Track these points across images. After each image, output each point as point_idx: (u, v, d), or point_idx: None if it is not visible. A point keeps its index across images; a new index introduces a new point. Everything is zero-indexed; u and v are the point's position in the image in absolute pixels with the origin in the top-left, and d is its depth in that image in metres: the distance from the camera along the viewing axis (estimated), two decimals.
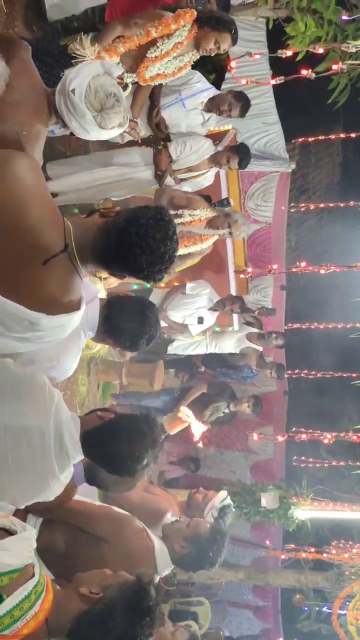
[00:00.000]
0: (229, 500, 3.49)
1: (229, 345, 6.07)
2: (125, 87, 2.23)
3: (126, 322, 2.41)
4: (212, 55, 3.86)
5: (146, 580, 1.73)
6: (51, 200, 1.75)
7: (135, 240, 1.63)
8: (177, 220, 4.42)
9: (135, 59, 3.58)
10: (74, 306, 1.73)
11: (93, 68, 2.10)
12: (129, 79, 3.63)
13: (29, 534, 1.64)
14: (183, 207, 4.51)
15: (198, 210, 4.52)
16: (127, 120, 2.20)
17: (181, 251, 4.61)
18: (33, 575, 1.57)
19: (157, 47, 3.55)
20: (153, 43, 3.57)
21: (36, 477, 1.86)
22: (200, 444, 6.03)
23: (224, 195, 5.54)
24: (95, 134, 2.12)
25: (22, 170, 1.67)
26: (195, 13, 3.59)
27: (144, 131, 4.28)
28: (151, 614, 1.67)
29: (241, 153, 4.55)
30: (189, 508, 3.46)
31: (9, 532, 1.59)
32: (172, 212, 4.40)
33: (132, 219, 1.67)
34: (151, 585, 1.74)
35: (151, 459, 2.05)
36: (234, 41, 3.78)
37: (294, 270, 5.22)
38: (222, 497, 3.47)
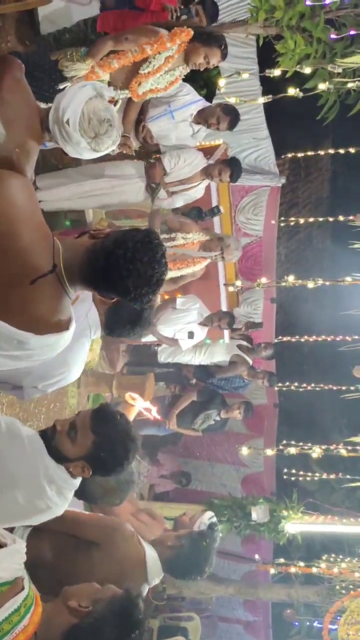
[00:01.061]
0: (215, 520, 3.50)
1: (219, 354, 6.08)
2: (115, 103, 2.27)
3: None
4: (201, 69, 3.91)
5: (135, 594, 1.74)
6: (42, 221, 1.76)
7: (122, 263, 1.63)
8: (170, 243, 4.47)
9: (127, 75, 3.62)
10: (63, 326, 1.74)
11: (85, 93, 2.14)
12: (122, 95, 3.67)
13: (18, 546, 1.64)
14: (176, 230, 4.57)
15: (191, 234, 4.59)
16: (119, 138, 2.24)
17: (173, 274, 4.65)
18: (23, 589, 1.58)
19: (150, 63, 3.59)
20: (145, 59, 3.61)
21: (38, 513, 1.97)
22: (168, 426, 6.01)
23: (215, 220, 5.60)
24: (88, 155, 2.19)
25: (14, 191, 1.68)
26: (192, 32, 3.64)
27: (135, 144, 4.32)
28: (140, 627, 1.68)
29: (233, 166, 4.60)
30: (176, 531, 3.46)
31: None
32: (165, 235, 4.47)
33: (120, 241, 1.66)
34: (140, 599, 1.75)
35: (135, 459, 2.11)
36: (224, 56, 3.84)
37: (283, 284, 5.26)
38: (208, 516, 3.47)
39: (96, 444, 2.01)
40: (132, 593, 1.73)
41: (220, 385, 6.39)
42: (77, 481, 2.01)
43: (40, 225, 1.73)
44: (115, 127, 2.18)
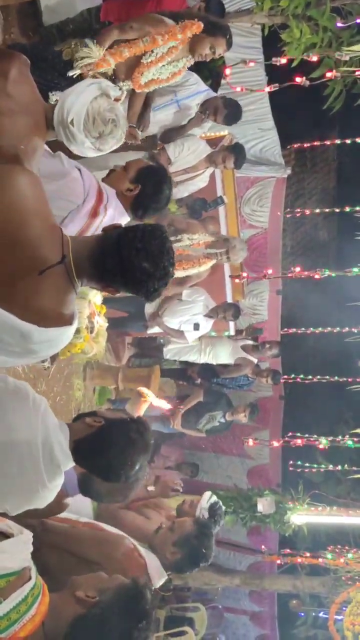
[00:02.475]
0: (215, 498, 3.50)
1: (224, 355, 6.07)
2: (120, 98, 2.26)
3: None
4: (207, 60, 3.87)
5: (142, 583, 1.75)
6: (51, 215, 1.77)
7: (132, 241, 1.67)
8: (176, 245, 4.47)
9: (130, 66, 3.60)
10: (66, 321, 1.73)
11: (90, 93, 2.13)
12: (125, 86, 3.65)
13: (25, 537, 1.65)
14: (182, 231, 4.56)
15: (197, 235, 4.57)
16: (124, 137, 2.23)
17: (179, 274, 4.66)
18: (30, 578, 1.58)
19: (152, 52, 3.57)
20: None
21: (26, 488, 1.85)
22: (173, 425, 6.03)
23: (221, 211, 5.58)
24: (92, 154, 2.19)
25: (24, 185, 1.70)
26: (202, 25, 3.60)
27: (141, 134, 4.29)
28: (148, 617, 1.68)
29: (236, 152, 4.58)
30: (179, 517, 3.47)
31: (5, 536, 1.59)
32: (171, 237, 4.46)
33: (130, 228, 1.72)
34: (147, 589, 1.76)
35: (144, 464, 2.04)
36: (229, 46, 3.80)
37: (289, 275, 5.24)
38: (207, 497, 3.49)
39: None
40: (139, 582, 1.74)
41: (224, 383, 6.39)
42: (71, 461, 1.95)
43: (50, 218, 1.75)
44: (120, 126, 2.19)
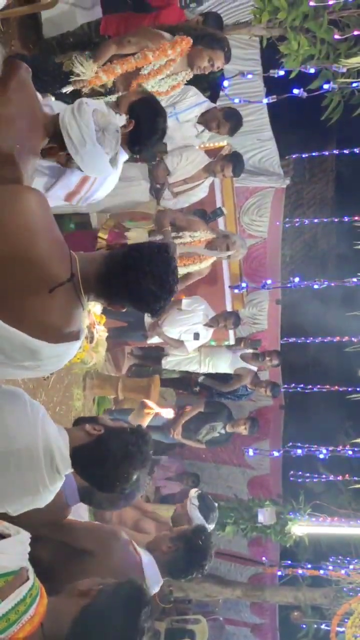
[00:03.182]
0: (200, 492, 3.61)
1: (223, 365, 6.06)
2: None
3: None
4: (206, 73, 3.91)
5: (138, 582, 1.81)
6: (59, 234, 1.81)
7: (139, 264, 1.71)
8: (177, 241, 4.50)
9: (128, 77, 3.64)
10: (74, 336, 1.76)
11: (101, 106, 2.23)
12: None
13: (22, 537, 1.65)
14: (184, 228, 4.59)
15: (198, 232, 4.61)
16: (117, 165, 2.28)
17: (180, 270, 4.66)
18: (28, 579, 1.58)
19: (151, 63, 3.61)
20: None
21: (27, 490, 1.86)
22: (173, 435, 6.03)
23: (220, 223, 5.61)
24: (90, 148, 2.16)
25: (32, 204, 1.73)
26: (191, 40, 3.65)
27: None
28: (147, 605, 1.72)
29: (234, 160, 4.61)
30: (175, 525, 3.47)
31: (2, 536, 1.59)
32: (173, 234, 4.50)
33: (137, 247, 1.77)
34: (143, 585, 1.84)
35: (142, 476, 2.04)
36: (228, 59, 3.84)
37: (288, 285, 5.25)
38: (193, 493, 3.57)
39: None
40: (135, 580, 1.80)
41: (223, 394, 6.38)
42: (69, 467, 1.93)
43: (58, 237, 1.78)
44: (119, 141, 2.25)
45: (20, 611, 1.52)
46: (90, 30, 4.03)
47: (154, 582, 2.66)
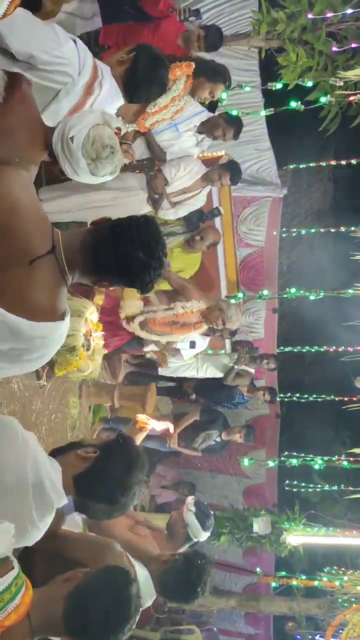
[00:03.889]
0: (196, 499, 3.57)
1: (221, 369, 6.06)
2: (120, 132, 2.29)
3: None
4: (206, 103, 4.13)
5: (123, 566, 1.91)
6: (42, 210, 1.77)
7: (126, 232, 1.66)
8: (170, 312, 4.43)
9: (135, 113, 3.68)
10: (58, 316, 1.69)
11: (93, 118, 2.16)
12: (130, 128, 3.75)
13: (6, 527, 1.62)
14: (177, 289, 4.51)
15: (190, 303, 4.51)
16: (119, 169, 2.25)
17: (174, 337, 4.59)
18: (12, 568, 1.57)
19: (155, 103, 3.72)
20: None
21: (15, 528, 1.78)
22: (169, 444, 6.00)
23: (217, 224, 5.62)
24: (85, 179, 2.17)
25: (13, 179, 1.71)
26: (193, 65, 3.76)
27: (138, 153, 4.34)
28: (134, 581, 1.84)
29: (231, 169, 4.63)
30: (171, 536, 3.43)
31: None
32: (164, 306, 4.45)
33: (123, 219, 1.73)
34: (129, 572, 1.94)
35: (140, 487, 2.04)
36: (228, 88, 4.09)
37: (285, 296, 5.27)
38: (190, 500, 3.53)
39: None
40: (118, 565, 1.98)
41: (220, 402, 6.38)
42: (64, 499, 1.90)
43: (40, 212, 1.74)
44: (116, 155, 2.19)
45: (6, 599, 1.51)
46: (89, 40, 4.06)
47: (148, 595, 2.63)
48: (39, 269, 1.63)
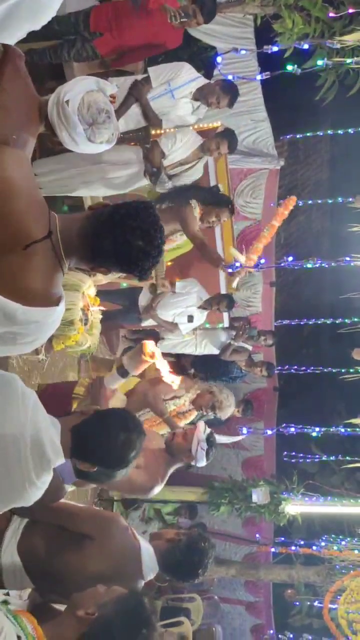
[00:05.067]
0: (208, 430, 3.38)
1: (220, 345, 6.07)
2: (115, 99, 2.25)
3: None
4: (214, 226, 4.98)
5: (140, 593, 1.79)
6: (39, 193, 1.75)
7: (126, 220, 1.65)
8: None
9: None
10: (53, 302, 1.68)
11: (88, 84, 2.13)
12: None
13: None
14: (167, 392, 4.24)
15: (181, 399, 4.33)
16: (116, 137, 2.21)
17: (162, 430, 4.30)
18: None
19: None
20: None
21: (12, 485, 1.80)
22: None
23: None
24: (83, 147, 2.14)
25: (10, 161, 1.68)
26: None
27: (123, 124, 4.27)
28: (149, 625, 1.70)
29: (229, 137, 4.58)
30: (172, 455, 3.33)
31: None
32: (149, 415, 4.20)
33: (122, 204, 1.70)
34: (145, 597, 1.78)
35: (140, 446, 2.03)
36: (232, 213, 4.95)
37: (282, 264, 5.25)
38: (202, 428, 3.35)
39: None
40: (136, 592, 1.80)
41: (218, 375, 6.41)
42: (61, 456, 1.90)
43: (37, 196, 1.72)
44: (112, 121, 2.15)
45: None
46: (77, 23, 4.00)
47: (150, 569, 2.65)
48: (34, 255, 1.61)
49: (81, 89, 2.08)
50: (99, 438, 1.97)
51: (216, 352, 6.08)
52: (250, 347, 6.19)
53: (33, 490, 1.83)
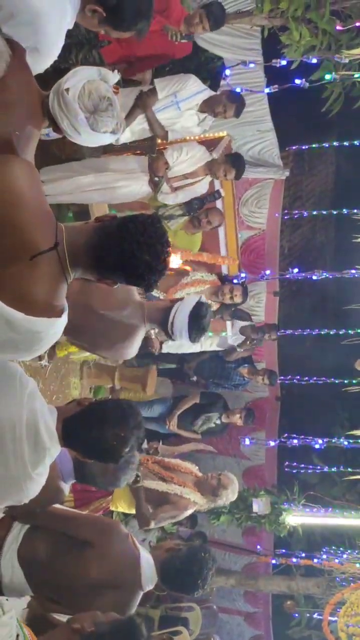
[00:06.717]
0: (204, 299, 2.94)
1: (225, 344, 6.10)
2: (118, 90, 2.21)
3: None
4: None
5: (139, 619, 1.80)
6: (46, 203, 1.76)
7: (133, 234, 1.66)
8: (163, 488, 4.16)
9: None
10: (56, 313, 1.69)
11: (89, 72, 2.10)
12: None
13: (7, 619, 1.63)
14: (168, 477, 4.27)
15: (186, 490, 4.28)
16: (122, 128, 2.19)
17: (166, 487, 4.24)
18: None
19: None
20: None
21: (7, 477, 1.80)
22: (169, 426, 5.97)
23: (218, 204, 5.59)
24: (87, 136, 2.10)
25: (18, 171, 1.69)
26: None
27: (129, 135, 4.29)
28: None
29: (237, 165, 4.61)
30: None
31: None
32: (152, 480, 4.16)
33: (129, 218, 1.71)
34: (143, 624, 1.81)
35: (136, 444, 2.03)
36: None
37: (287, 276, 5.26)
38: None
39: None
40: (135, 617, 1.79)
41: (220, 383, 6.40)
42: (57, 445, 1.89)
43: (44, 207, 1.73)
44: (115, 109, 2.10)
45: None
46: (88, 32, 4.01)
47: (149, 579, 2.64)
48: (40, 265, 1.63)
49: (82, 77, 2.05)
50: (89, 431, 1.96)
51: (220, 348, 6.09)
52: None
53: (30, 484, 1.82)
